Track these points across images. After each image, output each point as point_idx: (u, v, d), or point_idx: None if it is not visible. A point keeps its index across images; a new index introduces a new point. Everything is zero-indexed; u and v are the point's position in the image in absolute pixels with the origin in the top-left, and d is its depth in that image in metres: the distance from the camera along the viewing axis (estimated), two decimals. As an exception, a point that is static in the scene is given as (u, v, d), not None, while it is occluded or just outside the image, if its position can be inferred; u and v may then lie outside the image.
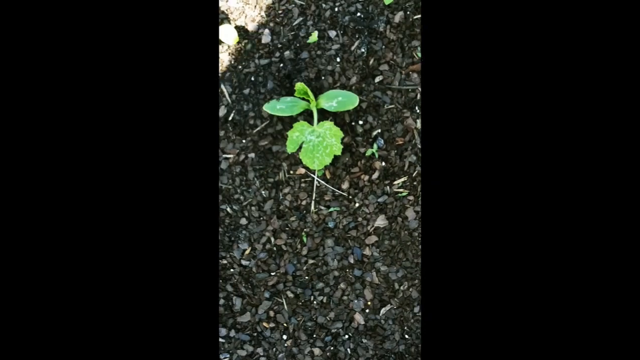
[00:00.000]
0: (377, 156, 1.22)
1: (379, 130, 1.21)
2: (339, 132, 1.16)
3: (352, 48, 1.20)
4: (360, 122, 1.23)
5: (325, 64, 1.21)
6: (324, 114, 1.21)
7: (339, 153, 1.16)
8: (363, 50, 1.17)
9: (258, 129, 1.22)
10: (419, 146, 1.10)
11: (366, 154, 1.23)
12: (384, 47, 1.16)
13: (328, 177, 1.24)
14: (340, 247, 1.19)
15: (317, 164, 1.14)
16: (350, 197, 1.23)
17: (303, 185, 1.23)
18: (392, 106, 1.18)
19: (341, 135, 1.16)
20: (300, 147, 1.14)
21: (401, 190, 1.16)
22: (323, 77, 1.21)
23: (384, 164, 1.20)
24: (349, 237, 1.20)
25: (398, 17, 1.17)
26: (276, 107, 1.16)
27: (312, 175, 1.24)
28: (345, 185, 1.23)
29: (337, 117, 1.25)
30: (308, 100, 1.19)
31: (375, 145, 1.23)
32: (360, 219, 1.20)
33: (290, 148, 1.16)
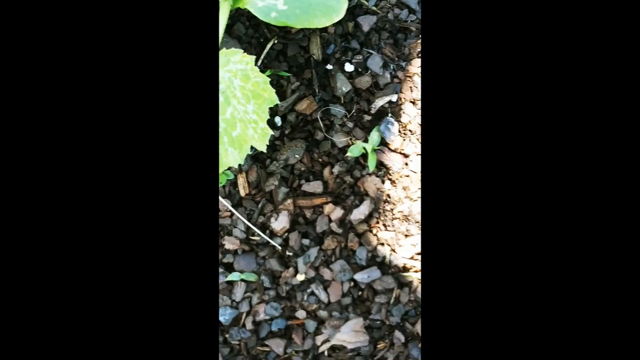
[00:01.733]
0: (371, 164, 0.62)
1: (394, 95, 0.62)
2: (266, 86, 0.52)
3: None
4: (351, 67, 0.65)
5: None
6: (255, 30, 0.64)
7: (262, 145, 0.53)
8: None
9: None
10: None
11: (348, 154, 0.63)
12: None
13: (243, 193, 0.64)
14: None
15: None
16: (290, 252, 0.63)
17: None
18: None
19: (273, 100, 0.53)
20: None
21: (412, 265, 0.63)
22: None
23: (387, 185, 0.63)
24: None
25: None
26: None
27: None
28: (279, 224, 0.62)
29: (289, 46, 0.64)
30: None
31: (375, 134, 0.62)
32: (303, 314, 0.63)
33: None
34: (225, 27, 0.55)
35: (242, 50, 0.50)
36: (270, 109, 0.54)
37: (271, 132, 0.51)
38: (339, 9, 0.53)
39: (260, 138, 0.52)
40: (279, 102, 0.51)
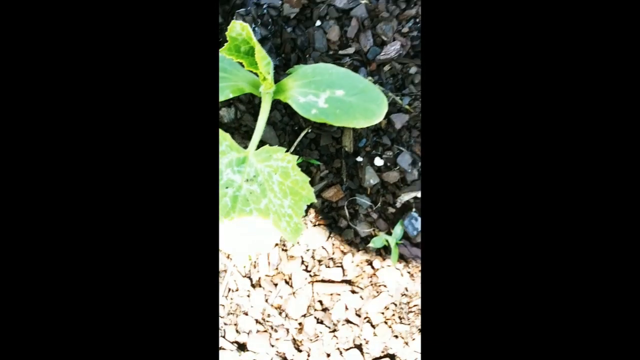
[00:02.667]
0: (394, 258, 0.63)
1: (420, 192, 0.64)
2: (305, 185, 0.53)
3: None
4: (381, 162, 0.65)
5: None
6: (291, 118, 0.65)
7: (293, 238, 0.53)
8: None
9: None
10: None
11: (370, 244, 0.63)
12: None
13: (263, 274, 0.64)
14: None
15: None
16: (304, 337, 0.63)
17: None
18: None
19: (311, 199, 0.53)
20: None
21: None
22: (319, 25, 0.67)
23: (406, 279, 0.63)
24: None
25: None
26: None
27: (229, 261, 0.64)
28: (295, 308, 0.63)
29: (322, 136, 0.65)
30: (255, 74, 0.59)
31: (398, 228, 0.63)
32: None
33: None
34: (266, 119, 0.56)
35: (285, 149, 0.51)
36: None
37: (304, 227, 0.52)
38: (379, 113, 0.54)
39: (293, 231, 0.53)
40: (315, 201, 0.52)
